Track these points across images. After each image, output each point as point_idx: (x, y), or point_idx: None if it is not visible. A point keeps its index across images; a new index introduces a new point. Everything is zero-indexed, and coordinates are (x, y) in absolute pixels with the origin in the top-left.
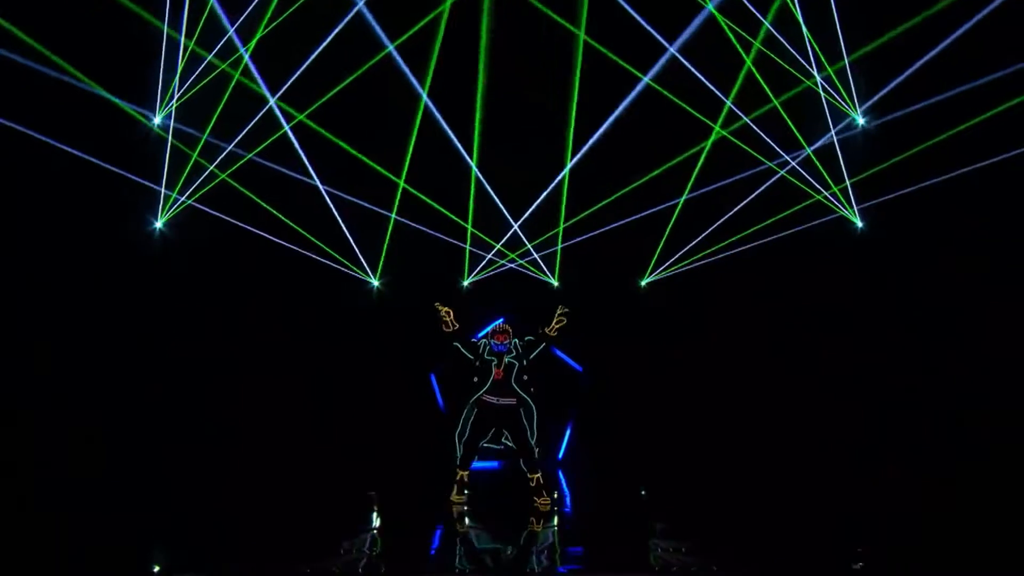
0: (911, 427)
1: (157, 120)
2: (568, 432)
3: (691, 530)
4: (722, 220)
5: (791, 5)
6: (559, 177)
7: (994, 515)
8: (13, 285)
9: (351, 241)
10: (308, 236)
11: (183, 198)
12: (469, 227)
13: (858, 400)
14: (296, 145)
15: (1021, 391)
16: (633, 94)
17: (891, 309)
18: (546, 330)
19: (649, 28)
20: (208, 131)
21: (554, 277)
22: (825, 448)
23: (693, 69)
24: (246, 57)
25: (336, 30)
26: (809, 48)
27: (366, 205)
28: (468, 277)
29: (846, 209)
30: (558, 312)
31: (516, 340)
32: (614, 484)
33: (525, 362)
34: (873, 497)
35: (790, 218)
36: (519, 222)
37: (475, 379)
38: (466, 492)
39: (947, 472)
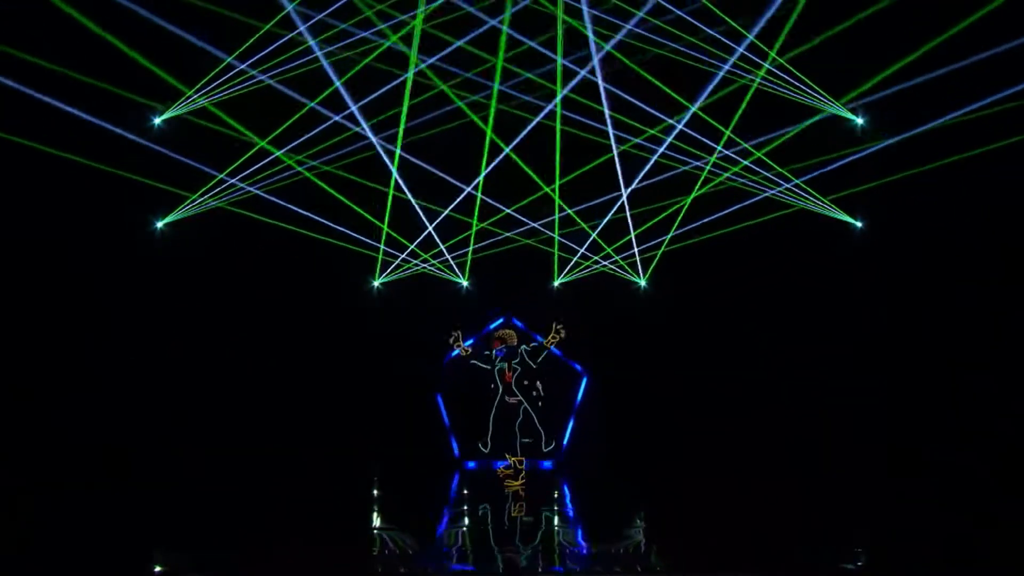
0: (911, 426)
1: (158, 121)
2: (568, 432)
3: (692, 529)
4: (723, 220)
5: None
6: (562, 179)
7: (994, 513)
8: (14, 284)
9: (349, 242)
10: (309, 233)
11: (190, 197)
12: (474, 227)
13: (856, 399)
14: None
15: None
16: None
17: (891, 308)
18: (543, 342)
19: (657, 20)
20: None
21: (554, 277)
22: (825, 447)
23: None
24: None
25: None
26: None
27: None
28: (467, 277)
29: (845, 212)
30: (555, 326)
31: (524, 347)
32: (614, 480)
33: (534, 365)
34: (872, 497)
35: (790, 219)
36: (519, 229)
37: (492, 386)
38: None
39: (945, 470)
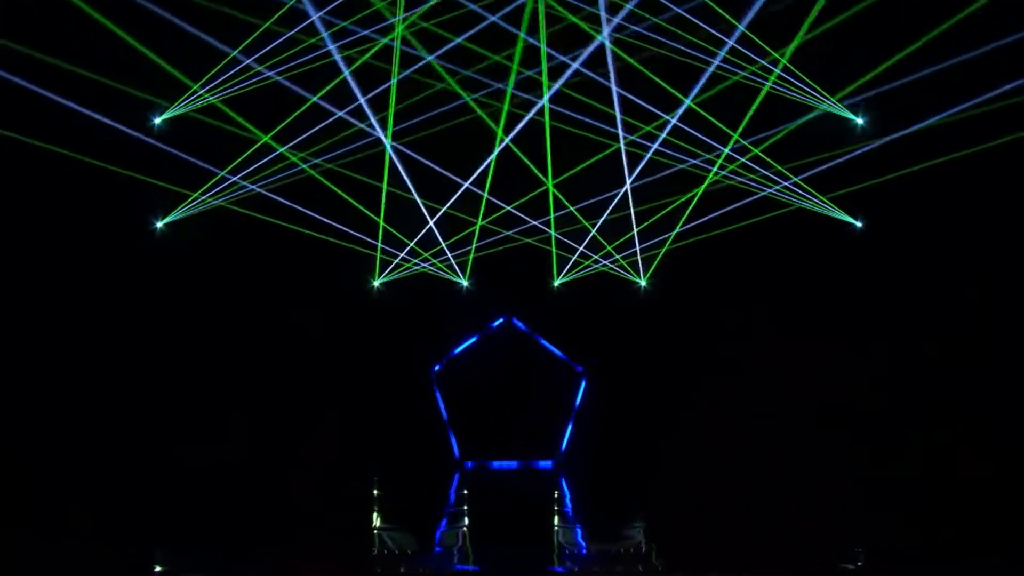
0: (912, 425)
1: (157, 121)
2: (568, 431)
3: (692, 529)
4: (722, 219)
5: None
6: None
7: (992, 513)
8: (15, 283)
9: (349, 241)
10: (309, 232)
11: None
12: (478, 224)
13: (856, 398)
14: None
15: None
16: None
17: (892, 306)
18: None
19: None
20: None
21: (554, 277)
22: (825, 446)
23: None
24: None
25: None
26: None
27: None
28: (467, 277)
29: (842, 211)
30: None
31: None
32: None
33: None
34: (873, 497)
35: (790, 218)
36: (516, 228)
37: None
38: None
39: (945, 468)
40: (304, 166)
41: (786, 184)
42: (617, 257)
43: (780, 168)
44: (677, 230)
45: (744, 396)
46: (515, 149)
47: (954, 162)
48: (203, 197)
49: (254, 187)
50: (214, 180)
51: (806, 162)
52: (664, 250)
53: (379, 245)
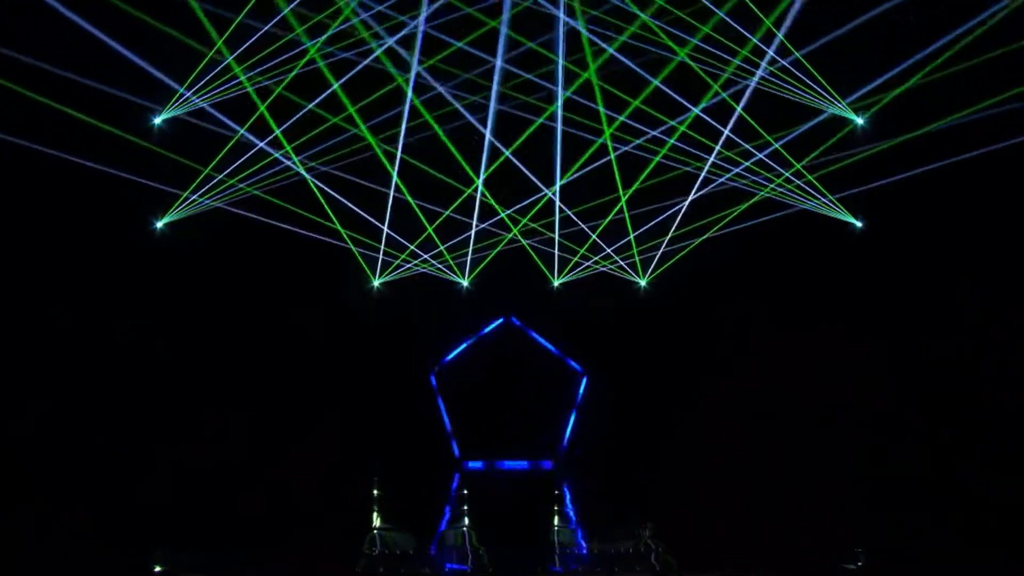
0: (912, 425)
1: (158, 120)
2: (568, 431)
3: (693, 529)
4: (722, 220)
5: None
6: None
7: (992, 513)
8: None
9: (350, 241)
10: (308, 233)
11: (190, 193)
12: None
13: (856, 398)
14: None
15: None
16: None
17: (892, 306)
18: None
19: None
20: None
21: (554, 277)
22: (825, 446)
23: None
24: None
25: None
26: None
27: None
28: (468, 277)
29: (842, 211)
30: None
31: None
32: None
33: None
34: (873, 497)
35: (790, 219)
36: (518, 225)
37: None
38: None
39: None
40: (300, 169)
41: (788, 182)
42: (633, 250)
43: (797, 161)
44: (674, 233)
45: (744, 396)
46: (512, 160)
47: (957, 164)
48: (198, 197)
49: (252, 189)
50: (198, 175)
51: (808, 162)
52: (666, 250)
53: (382, 247)
